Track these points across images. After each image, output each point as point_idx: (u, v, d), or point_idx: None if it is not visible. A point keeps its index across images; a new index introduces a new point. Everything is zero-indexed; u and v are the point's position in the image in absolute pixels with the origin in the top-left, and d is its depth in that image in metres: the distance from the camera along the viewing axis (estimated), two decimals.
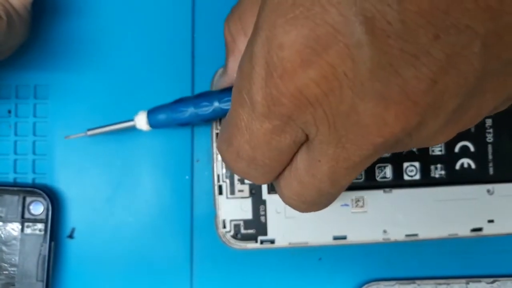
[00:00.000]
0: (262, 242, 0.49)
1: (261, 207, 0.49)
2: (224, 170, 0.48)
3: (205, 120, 0.45)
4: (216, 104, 0.44)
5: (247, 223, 0.49)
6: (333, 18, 0.25)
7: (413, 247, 0.52)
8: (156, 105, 0.46)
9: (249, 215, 0.49)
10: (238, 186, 0.48)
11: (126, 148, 0.52)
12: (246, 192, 0.48)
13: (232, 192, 0.48)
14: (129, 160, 0.52)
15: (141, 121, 0.46)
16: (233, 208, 0.49)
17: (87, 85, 0.52)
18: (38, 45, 0.52)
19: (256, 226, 0.49)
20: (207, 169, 0.52)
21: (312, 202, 0.34)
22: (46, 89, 0.52)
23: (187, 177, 0.52)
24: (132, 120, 0.47)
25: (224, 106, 0.43)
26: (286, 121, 0.29)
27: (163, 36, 0.52)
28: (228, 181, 0.48)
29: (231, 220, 0.49)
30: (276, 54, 0.26)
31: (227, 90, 0.44)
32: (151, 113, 0.46)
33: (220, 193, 0.49)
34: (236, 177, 0.48)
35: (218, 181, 0.49)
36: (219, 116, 0.44)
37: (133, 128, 0.47)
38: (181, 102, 0.45)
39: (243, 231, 0.48)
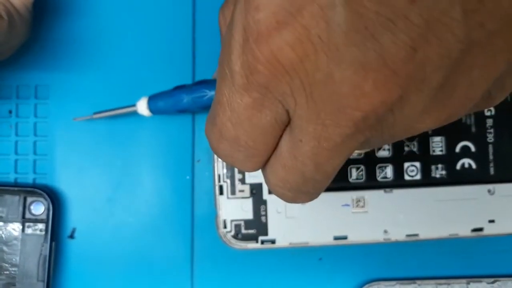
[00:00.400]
0: (262, 242, 0.49)
1: (262, 207, 0.49)
2: (225, 170, 0.48)
3: (203, 107, 0.45)
4: (212, 91, 0.44)
5: (248, 223, 0.49)
6: None
7: (413, 247, 0.52)
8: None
9: (249, 215, 0.49)
10: (239, 186, 0.48)
11: (127, 148, 0.52)
12: (247, 192, 0.48)
13: (233, 192, 0.48)
14: (129, 160, 0.52)
15: (142, 106, 0.47)
16: (234, 208, 0.49)
17: (87, 85, 0.52)
18: (38, 45, 0.52)
19: (256, 226, 0.49)
20: (208, 169, 0.52)
21: (297, 189, 0.33)
22: (47, 89, 0.52)
23: (187, 177, 0.52)
24: (134, 105, 0.47)
25: None
26: (264, 93, 0.28)
27: (163, 36, 0.52)
28: (229, 181, 0.48)
29: (231, 220, 0.49)
30: (252, 17, 0.26)
31: None
32: (151, 99, 0.47)
33: (221, 193, 0.49)
34: (237, 177, 0.48)
35: (219, 181, 0.49)
36: None
37: (135, 114, 0.48)
38: (180, 89, 0.46)
39: (243, 231, 0.48)
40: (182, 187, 0.52)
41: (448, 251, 0.52)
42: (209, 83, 0.45)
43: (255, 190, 0.48)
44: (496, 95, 0.29)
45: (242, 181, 0.48)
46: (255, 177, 0.48)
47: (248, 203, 0.49)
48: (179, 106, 0.45)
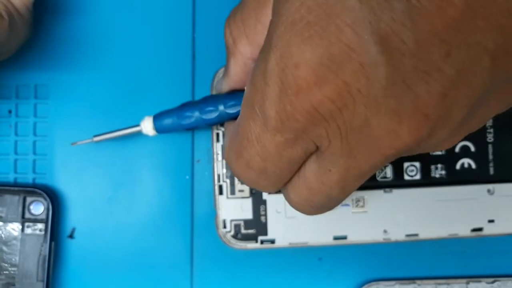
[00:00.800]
0: (262, 242, 0.49)
1: (262, 207, 0.48)
2: (224, 170, 0.48)
3: (211, 124, 0.45)
4: (221, 108, 0.43)
5: (248, 223, 0.48)
6: (347, 37, 0.25)
7: (413, 247, 0.52)
8: (160, 109, 0.46)
9: (249, 215, 0.48)
10: (238, 186, 0.48)
11: (127, 148, 0.52)
12: (247, 192, 0.48)
13: (233, 192, 0.48)
14: (129, 160, 0.52)
15: (147, 126, 0.46)
16: (234, 208, 0.49)
17: (87, 85, 0.52)
18: (38, 45, 0.52)
19: (256, 226, 0.49)
20: (208, 169, 0.52)
21: (320, 206, 0.34)
22: (47, 89, 0.52)
23: (187, 177, 0.52)
24: (138, 125, 0.47)
25: (229, 110, 0.43)
26: (299, 134, 0.29)
27: (163, 36, 0.52)
28: (228, 181, 0.48)
29: (231, 220, 0.48)
30: (292, 72, 0.27)
31: (232, 95, 0.43)
32: (156, 118, 0.46)
33: (221, 193, 0.49)
34: (236, 177, 0.48)
35: (219, 181, 0.49)
36: (224, 120, 0.44)
37: (139, 133, 0.47)
38: (186, 107, 0.45)
39: (243, 231, 0.48)
40: (182, 187, 0.52)
41: (448, 251, 0.52)
42: (217, 99, 0.44)
43: (255, 190, 0.48)
44: (500, 111, 0.31)
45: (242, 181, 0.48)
46: None
47: (248, 203, 0.48)
48: (186, 125, 0.45)
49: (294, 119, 0.28)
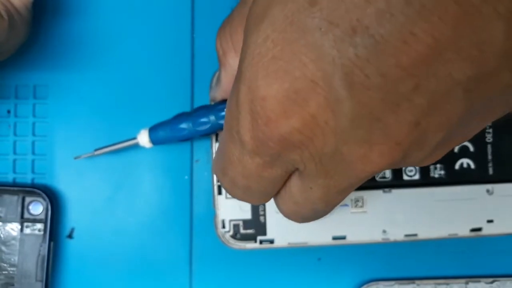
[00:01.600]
0: (261, 242, 0.48)
1: (260, 207, 0.48)
2: None
3: (204, 135, 0.45)
4: (213, 119, 0.44)
5: (246, 223, 0.48)
6: (312, 73, 0.25)
7: (412, 247, 0.52)
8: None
9: (248, 215, 0.48)
10: None
11: (126, 148, 0.51)
12: None
13: None
14: (128, 160, 0.52)
15: (143, 139, 0.47)
16: (232, 208, 0.48)
17: (86, 85, 0.52)
18: (37, 45, 0.52)
19: (255, 226, 0.48)
20: (207, 169, 0.52)
21: (308, 217, 0.35)
22: (46, 89, 0.52)
23: (186, 177, 0.52)
24: (135, 138, 0.47)
25: (221, 121, 0.44)
26: (276, 157, 0.29)
27: (163, 37, 0.52)
28: None
29: (230, 220, 0.48)
30: (260, 104, 0.27)
31: (224, 105, 0.44)
32: (152, 131, 0.47)
33: (220, 193, 0.48)
34: None
35: (217, 181, 0.48)
36: (217, 131, 0.45)
37: (136, 146, 0.48)
38: (179, 119, 0.46)
39: (242, 231, 0.48)
40: (181, 187, 0.52)
41: (447, 251, 0.52)
42: (210, 110, 0.45)
43: None
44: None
45: None
46: None
47: (247, 203, 0.48)
48: (180, 136, 0.46)
49: (268, 146, 0.28)
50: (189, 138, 0.46)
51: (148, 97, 0.51)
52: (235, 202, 0.48)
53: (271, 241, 0.48)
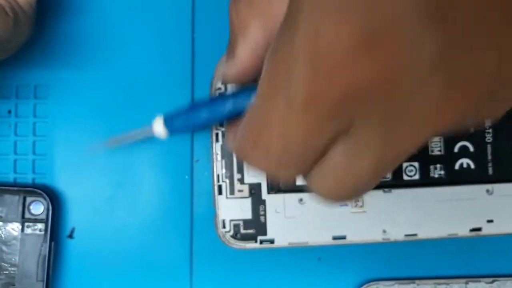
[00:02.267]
0: (261, 242, 0.48)
1: (261, 207, 0.48)
2: (224, 170, 0.48)
3: (221, 121, 0.44)
4: (231, 104, 0.43)
5: (247, 223, 0.48)
6: (389, 8, 0.22)
7: (412, 247, 0.52)
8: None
9: (248, 215, 0.48)
10: (237, 186, 0.48)
11: (126, 148, 0.51)
12: (246, 192, 0.48)
13: (232, 192, 0.48)
14: (129, 160, 0.52)
15: (158, 128, 0.45)
16: (233, 208, 0.48)
17: (87, 85, 0.52)
18: (38, 45, 0.52)
19: (255, 226, 0.48)
20: (207, 169, 0.52)
21: (349, 195, 0.31)
22: (46, 89, 0.52)
23: (186, 177, 0.52)
24: (149, 127, 0.45)
25: (239, 106, 0.42)
26: (330, 118, 0.26)
27: (163, 36, 0.52)
28: (227, 181, 0.48)
29: (230, 220, 0.48)
30: (324, 51, 0.24)
31: (242, 90, 0.42)
32: (168, 120, 0.44)
33: (220, 193, 0.48)
34: (235, 177, 0.48)
35: (218, 181, 0.48)
36: (234, 116, 0.43)
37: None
38: (196, 106, 0.44)
39: (242, 231, 0.48)
40: (181, 187, 0.52)
41: (447, 251, 0.52)
42: (226, 97, 0.44)
43: (254, 190, 0.48)
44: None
45: (241, 181, 0.48)
46: (254, 177, 0.48)
47: (247, 203, 0.48)
48: (197, 125, 0.44)
49: (326, 102, 0.25)
50: (206, 126, 0.44)
51: (148, 96, 0.51)
52: (235, 202, 0.48)
53: (272, 241, 0.48)
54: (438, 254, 0.52)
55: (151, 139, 0.49)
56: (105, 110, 0.52)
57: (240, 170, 0.48)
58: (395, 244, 0.50)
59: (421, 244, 0.50)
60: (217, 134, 0.48)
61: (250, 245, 0.48)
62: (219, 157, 0.48)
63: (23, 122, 0.52)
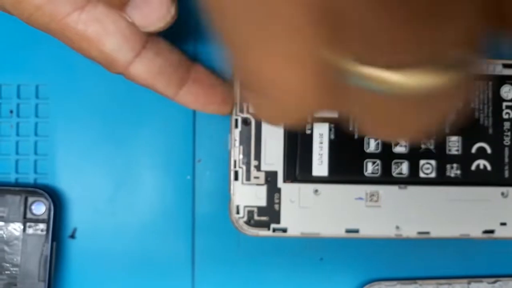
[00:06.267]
0: (274, 230, 0.48)
1: (276, 195, 0.48)
2: (241, 156, 0.48)
3: None
4: None
5: (261, 210, 0.48)
6: None
7: (414, 247, 0.51)
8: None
9: (263, 202, 0.48)
10: (254, 172, 0.48)
11: (127, 148, 0.51)
12: (262, 179, 0.48)
13: (248, 178, 0.48)
14: (130, 160, 0.51)
15: None
16: (248, 194, 0.48)
17: (88, 85, 0.51)
18: (39, 45, 0.51)
19: (269, 213, 0.48)
20: (209, 168, 0.52)
21: None
22: (48, 89, 0.51)
23: (188, 177, 0.52)
24: None
25: None
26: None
27: (164, 35, 0.51)
28: (244, 167, 0.48)
29: (245, 206, 0.48)
30: None
31: None
32: None
33: (236, 178, 0.48)
34: (252, 164, 0.48)
35: (235, 166, 0.48)
36: None
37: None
38: None
39: (256, 217, 0.48)
40: (183, 187, 0.52)
41: (449, 251, 0.52)
42: None
43: (270, 178, 0.48)
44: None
45: (258, 168, 0.48)
46: (271, 164, 0.48)
47: (262, 190, 0.48)
48: None
49: None
50: None
51: (149, 96, 0.50)
52: (251, 189, 0.48)
53: (284, 230, 0.48)
54: (440, 254, 0.52)
55: (151, 138, 0.48)
56: (106, 110, 0.51)
57: (257, 157, 0.48)
58: (397, 244, 0.50)
59: (423, 244, 0.51)
60: (236, 120, 0.48)
61: (263, 232, 0.48)
62: (237, 143, 0.48)
63: (24, 122, 0.51)
